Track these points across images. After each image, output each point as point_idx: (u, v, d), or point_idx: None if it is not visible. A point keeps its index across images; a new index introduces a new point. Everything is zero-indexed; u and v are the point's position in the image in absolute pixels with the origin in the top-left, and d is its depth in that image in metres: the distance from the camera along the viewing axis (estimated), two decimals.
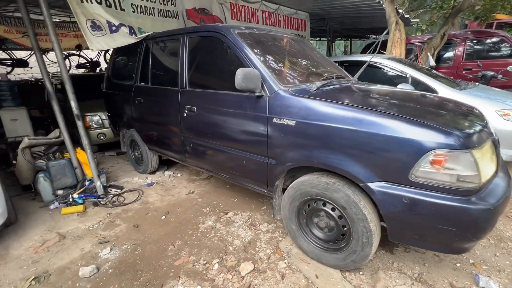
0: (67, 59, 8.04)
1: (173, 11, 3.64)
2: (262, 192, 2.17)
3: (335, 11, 6.91)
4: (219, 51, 2.26)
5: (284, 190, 2.05)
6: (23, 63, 7.33)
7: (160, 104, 2.86)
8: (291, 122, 1.72)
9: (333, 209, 1.72)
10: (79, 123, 2.75)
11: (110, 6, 2.93)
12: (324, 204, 1.76)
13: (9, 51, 7.15)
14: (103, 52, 8.91)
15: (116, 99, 3.70)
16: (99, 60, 8.94)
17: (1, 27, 7.01)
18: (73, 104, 2.70)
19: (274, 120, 1.81)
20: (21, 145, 2.97)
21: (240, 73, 1.75)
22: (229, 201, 2.92)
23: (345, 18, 8.04)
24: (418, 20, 6.76)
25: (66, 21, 8.00)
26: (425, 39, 6.04)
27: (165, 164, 3.89)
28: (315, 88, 1.87)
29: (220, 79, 2.31)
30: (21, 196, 3.25)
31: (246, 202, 2.88)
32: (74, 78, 6.09)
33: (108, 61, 9.41)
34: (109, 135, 4.90)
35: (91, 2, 2.74)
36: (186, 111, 2.50)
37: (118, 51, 3.63)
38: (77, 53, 8.32)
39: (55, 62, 8.58)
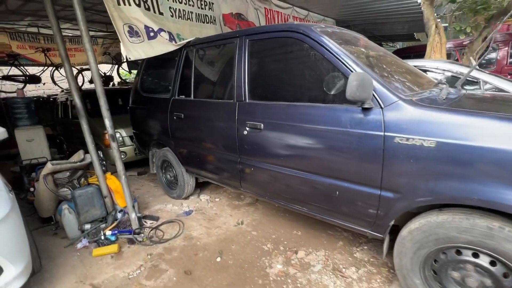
0: (80, 74, 7.75)
1: (210, 15, 3.28)
2: (361, 232, 1.68)
3: (361, 18, 6.61)
4: (297, 55, 1.83)
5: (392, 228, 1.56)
6: (35, 79, 7.04)
7: (207, 120, 2.42)
8: (429, 143, 1.26)
9: (492, 263, 1.23)
10: (114, 145, 2.31)
11: (148, 9, 2.56)
12: (476, 255, 1.27)
13: (21, 67, 6.88)
14: (116, 66, 8.67)
15: (146, 115, 3.28)
16: (112, 75, 8.67)
17: (14, 42, 6.77)
18: (107, 122, 2.28)
19: (397, 139, 1.35)
20: (44, 172, 2.53)
21: (355, 78, 1.31)
22: (291, 235, 2.42)
23: (367, 25, 7.75)
24: (455, 24, 6.41)
25: (80, 36, 7.79)
26: (465, 43, 5.66)
27: (197, 186, 3.43)
28: (443, 98, 1.42)
29: (300, 89, 1.87)
30: (41, 230, 2.78)
31: (314, 235, 2.38)
32: (90, 93, 5.79)
33: (134, 75, 9.07)
34: (129, 154, 4.48)
35: (129, 5, 2.38)
36: (247, 128, 2.05)
37: (149, 60, 3.24)
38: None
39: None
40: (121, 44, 2.35)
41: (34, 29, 7.04)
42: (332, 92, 1.62)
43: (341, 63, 1.56)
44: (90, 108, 5.16)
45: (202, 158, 2.63)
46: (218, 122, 2.32)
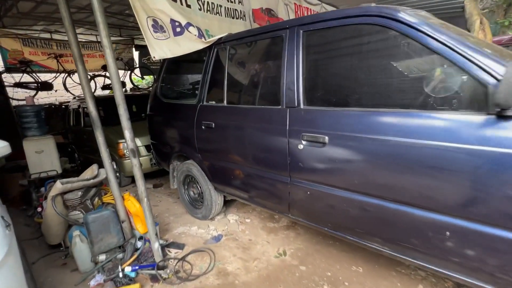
0: (92, 80, 7.52)
1: (240, 10, 2.90)
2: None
3: None
4: (378, 46, 1.40)
5: None
6: (47, 86, 6.82)
7: (244, 130, 2.00)
8: None
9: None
10: (135, 162, 1.91)
11: (175, 0, 2.18)
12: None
13: (33, 73, 6.69)
14: (129, 72, 8.44)
15: (167, 124, 2.89)
16: (125, 81, 8.44)
17: (26, 48, 6.60)
18: (127, 135, 1.88)
19: None
20: (52, 192, 2.15)
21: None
22: (351, 272, 1.95)
23: None
24: (502, 19, 5.87)
25: (92, 41, 7.60)
26: None
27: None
28: None
29: (385, 91, 1.42)
30: (48, 258, 2.40)
31: (380, 274, 1.90)
32: (103, 100, 5.49)
33: (146, 81, 8.79)
34: (145, 164, 4.11)
35: None
36: (302, 141, 1.62)
37: (171, 61, 2.87)
38: (103, 74, 7.83)
39: (79, 84, 8.14)
40: (145, 41, 1.97)
41: (47, 35, 6.87)
42: (440, 95, 1.18)
43: (459, 55, 1.11)
44: (103, 116, 4.87)
45: (237, 175, 2.20)
46: (260, 133, 1.90)
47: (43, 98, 8.18)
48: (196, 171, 2.64)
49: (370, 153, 1.36)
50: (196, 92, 2.50)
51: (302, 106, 1.66)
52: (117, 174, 4.43)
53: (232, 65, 2.22)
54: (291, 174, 1.74)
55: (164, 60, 2.96)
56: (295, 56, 1.69)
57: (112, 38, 7.53)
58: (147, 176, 4.55)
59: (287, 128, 1.70)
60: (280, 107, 1.78)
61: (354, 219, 1.53)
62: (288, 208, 1.87)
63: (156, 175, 4.63)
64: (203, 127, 2.35)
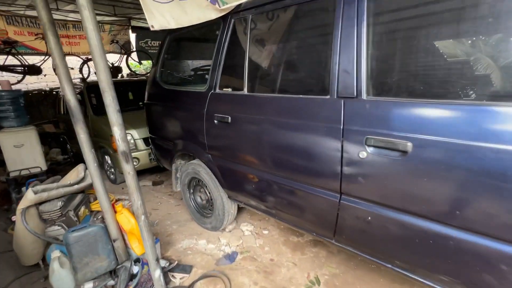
0: (85, 65, 6.92)
1: None
2: None
3: None
4: None
5: None
6: (35, 70, 6.23)
7: (273, 128, 1.50)
8: None
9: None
10: (128, 168, 1.42)
11: None
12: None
13: (20, 56, 6.08)
14: (125, 56, 7.80)
15: (168, 115, 2.39)
16: (121, 66, 7.82)
17: (11, 27, 5.96)
18: (117, 132, 1.37)
19: None
20: (21, 204, 1.68)
21: None
22: None
23: None
24: None
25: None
26: None
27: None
28: None
29: None
30: (24, 279, 1.96)
31: None
32: (96, 86, 4.93)
33: (144, 66, 8.19)
34: (143, 160, 3.63)
35: None
36: (367, 148, 1.13)
37: (174, 38, 2.33)
38: None
39: (72, 68, 7.51)
40: (141, 4, 1.44)
41: (33, 13, 6.21)
42: None
43: None
44: (95, 104, 4.34)
45: (260, 185, 1.72)
46: (296, 133, 1.40)
47: (33, 83, 7.58)
48: (204, 174, 2.16)
49: (490, 172, 0.88)
50: (206, 76, 1.98)
51: (365, 96, 1.16)
52: (112, 170, 3.97)
53: (255, 41, 1.70)
54: (344, 190, 1.27)
55: (166, 35, 2.42)
56: (355, 26, 1.17)
57: (106, 18, 6.88)
58: (146, 171, 4.09)
59: (342, 127, 1.20)
60: (328, 97, 1.27)
61: (441, 261, 1.07)
62: (334, 233, 1.40)
63: (155, 171, 4.16)
64: (215, 121, 1.85)
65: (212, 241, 2.26)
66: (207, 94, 1.94)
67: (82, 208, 2.00)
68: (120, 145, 1.39)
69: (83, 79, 4.57)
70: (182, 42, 2.39)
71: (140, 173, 4.06)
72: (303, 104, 1.38)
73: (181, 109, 2.20)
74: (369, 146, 1.13)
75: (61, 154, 5.67)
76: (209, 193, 2.25)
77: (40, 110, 6.85)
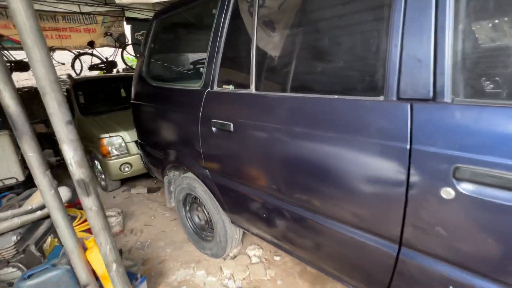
0: (77, 59, 6.49)
1: None
2: None
3: None
4: None
5: None
6: (23, 66, 5.82)
7: (292, 141, 1.07)
8: None
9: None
10: (88, 203, 1.00)
11: None
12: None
13: (6, 51, 5.67)
14: (120, 49, 7.34)
15: (157, 118, 1.96)
16: (115, 60, 7.36)
17: None
18: (68, 153, 0.95)
19: None
20: None
21: None
22: None
23: None
24: None
25: (75, 12, 6.46)
26: None
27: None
28: None
29: None
30: None
31: None
32: (84, 83, 4.51)
33: (129, 55, 7.75)
34: (136, 165, 3.23)
35: None
36: (451, 186, 0.69)
37: (163, 24, 1.88)
38: (90, 52, 6.77)
39: (63, 64, 7.08)
40: None
41: None
42: None
43: None
44: (83, 103, 3.92)
45: (272, 215, 1.30)
46: (330, 152, 0.96)
47: (24, 80, 7.18)
48: (201, 192, 1.74)
49: None
50: (201, 70, 1.54)
51: (450, 98, 0.72)
52: (103, 176, 3.57)
53: (266, 21, 1.24)
54: (406, 241, 0.83)
55: (152, 22, 1.98)
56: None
57: (98, 9, 6.40)
58: (141, 176, 3.69)
59: (408, 146, 0.76)
60: (382, 98, 0.83)
61: None
62: None
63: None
64: (213, 128, 1.41)
65: (212, 272, 1.86)
66: (202, 92, 1.50)
67: (49, 239, 1.60)
68: (76, 172, 0.96)
69: (70, 75, 4.13)
70: (172, 27, 1.94)
71: (135, 179, 3.67)
72: (338, 109, 0.94)
73: (172, 111, 1.77)
74: (460, 180, 0.69)
75: (54, 156, 5.32)
76: (208, 213, 1.84)
77: (32, 109, 6.47)
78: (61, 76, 5.39)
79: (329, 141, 0.96)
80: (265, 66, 1.29)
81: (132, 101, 2.23)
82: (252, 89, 1.25)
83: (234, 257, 2.00)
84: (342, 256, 1.09)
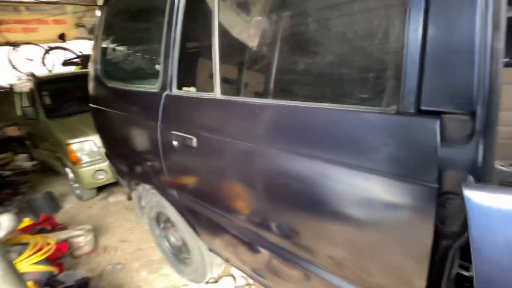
0: (47, 54, 5.98)
1: None
2: None
3: None
4: None
5: None
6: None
7: (275, 163, 0.79)
8: None
9: None
10: None
11: None
12: None
13: None
14: None
15: (118, 127, 1.64)
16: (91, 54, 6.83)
17: None
18: None
19: None
20: None
21: None
22: None
23: None
24: None
25: (40, 1, 5.84)
26: None
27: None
28: None
29: None
30: None
31: None
32: (51, 81, 4.03)
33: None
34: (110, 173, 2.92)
35: None
36: None
37: (114, 11, 1.54)
38: (62, 46, 6.25)
39: (32, 60, 6.51)
40: None
41: None
42: None
43: None
44: (49, 104, 3.52)
45: (252, 251, 1.04)
46: (331, 181, 0.69)
47: None
48: (172, 213, 1.46)
49: None
50: (158, 68, 1.23)
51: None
52: (76, 185, 3.25)
53: (236, 5, 0.93)
54: None
55: (102, 9, 1.62)
56: None
57: None
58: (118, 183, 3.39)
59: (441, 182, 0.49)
60: (389, 108, 0.55)
61: None
62: None
63: None
64: (174, 142, 1.12)
65: None
66: (159, 96, 1.19)
67: None
68: None
69: (32, 74, 3.70)
70: (125, 14, 1.60)
71: (115, 184, 3.35)
72: (344, 121, 0.65)
73: (129, 118, 1.46)
74: None
75: (30, 160, 4.95)
76: (180, 234, 1.57)
77: (2, 111, 6.00)
78: (21, 74, 4.90)
79: (329, 167, 0.68)
80: (234, 62, 0.99)
81: (90, 105, 1.90)
82: (217, 93, 0.95)
83: (218, 279, 1.75)
84: None
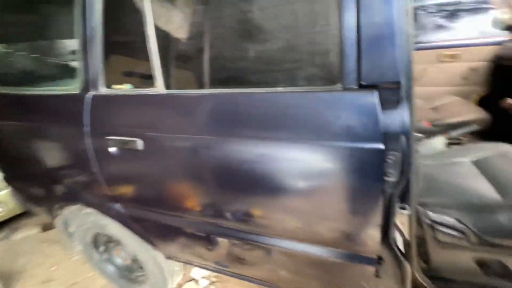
0: None
1: None
2: None
3: None
4: None
5: None
6: None
7: (234, 151, 0.80)
8: None
9: None
10: None
11: None
12: None
13: None
14: None
15: (19, 141, 1.32)
16: None
17: None
18: None
19: None
20: None
21: None
22: None
23: None
24: None
25: None
26: None
27: None
28: None
29: None
30: None
31: None
32: None
33: None
34: (11, 204, 2.33)
35: None
36: None
37: None
38: None
39: None
40: None
41: None
42: None
43: None
44: None
45: (219, 245, 1.03)
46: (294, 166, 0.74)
47: None
48: (115, 230, 1.29)
49: None
50: (74, 65, 1.04)
51: None
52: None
53: None
54: None
55: None
56: None
57: None
58: (24, 214, 2.72)
59: None
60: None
61: None
62: None
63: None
64: (110, 149, 0.98)
65: None
66: (82, 98, 1.02)
67: None
68: None
69: None
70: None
71: (20, 217, 2.68)
72: (301, 101, 0.70)
73: (37, 129, 1.19)
74: None
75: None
76: (132, 252, 1.42)
77: None
78: None
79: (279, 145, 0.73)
80: (178, 51, 0.93)
81: None
82: (160, 88, 0.88)
83: (179, 287, 1.66)
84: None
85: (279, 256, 0.96)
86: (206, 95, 0.84)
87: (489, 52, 1.86)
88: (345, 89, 0.64)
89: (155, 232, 1.17)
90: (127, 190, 1.10)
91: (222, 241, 1.04)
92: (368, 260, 0.77)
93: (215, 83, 0.89)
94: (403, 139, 0.61)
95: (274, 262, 0.99)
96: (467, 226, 0.79)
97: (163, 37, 0.87)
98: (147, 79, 0.93)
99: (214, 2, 0.94)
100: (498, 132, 1.48)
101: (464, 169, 1.02)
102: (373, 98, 0.61)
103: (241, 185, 0.86)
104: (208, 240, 1.06)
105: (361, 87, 0.63)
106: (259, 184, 0.82)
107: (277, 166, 0.77)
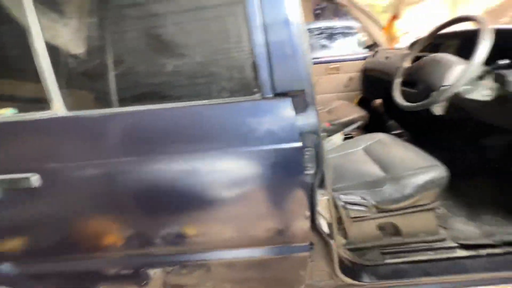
0: None
1: None
2: None
3: None
4: None
5: None
6: None
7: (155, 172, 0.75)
8: None
9: None
10: None
11: None
12: None
13: None
14: None
15: None
16: None
17: None
18: None
19: None
20: None
21: None
22: None
23: None
24: None
25: None
26: None
27: None
28: None
29: None
30: None
31: None
32: None
33: None
34: None
35: None
36: None
37: None
38: None
39: None
40: None
41: None
42: None
43: None
44: None
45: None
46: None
47: None
48: None
49: None
50: None
51: None
52: None
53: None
54: None
55: None
56: None
57: None
58: None
59: None
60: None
61: None
62: None
63: None
64: None
65: None
66: None
67: None
68: None
69: None
70: None
71: None
72: (223, 112, 0.72)
73: None
74: None
75: None
76: None
77: None
78: None
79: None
80: (76, 68, 0.81)
81: None
82: (59, 110, 0.75)
83: None
84: None
85: (219, 269, 0.95)
86: (121, 113, 0.77)
87: (359, 65, 2.41)
88: (264, 98, 0.72)
89: (69, 284, 0.95)
90: (19, 242, 0.86)
91: (156, 272, 0.94)
92: (302, 248, 0.86)
93: (128, 100, 0.82)
94: (314, 136, 0.73)
95: (215, 277, 0.97)
96: (368, 200, 1.00)
97: (57, 53, 0.75)
98: (37, 101, 0.77)
99: (116, 14, 0.88)
100: (374, 125, 1.95)
101: (357, 156, 1.28)
102: (288, 103, 0.71)
103: (170, 205, 0.82)
104: (138, 276, 0.94)
105: (276, 95, 0.72)
106: (190, 200, 0.79)
107: (207, 178, 0.77)
